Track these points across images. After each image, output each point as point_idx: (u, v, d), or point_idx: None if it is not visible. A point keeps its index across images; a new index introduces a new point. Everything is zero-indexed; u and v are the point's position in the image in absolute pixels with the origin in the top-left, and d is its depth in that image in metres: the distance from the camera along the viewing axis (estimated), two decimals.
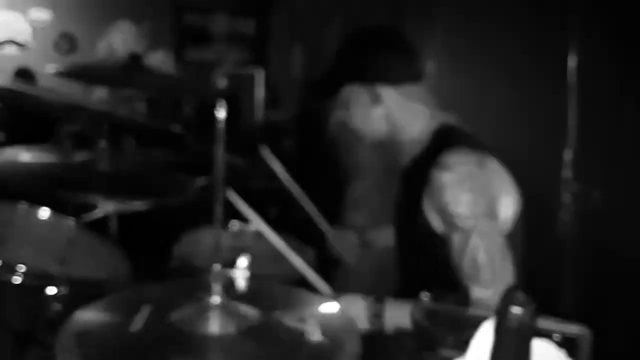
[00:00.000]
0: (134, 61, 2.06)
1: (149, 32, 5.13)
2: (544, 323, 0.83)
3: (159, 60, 4.65)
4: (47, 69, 1.91)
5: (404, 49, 1.59)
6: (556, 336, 0.85)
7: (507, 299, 0.70)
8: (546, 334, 0.81)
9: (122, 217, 2.15)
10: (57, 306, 1.36)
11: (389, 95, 1.55)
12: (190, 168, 2.33)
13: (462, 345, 0.84)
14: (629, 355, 1.94)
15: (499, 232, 1.41)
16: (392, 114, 1.56)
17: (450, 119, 1.59)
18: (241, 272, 1.05)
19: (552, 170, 2.15)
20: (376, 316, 1.43)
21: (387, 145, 1.60)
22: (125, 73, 1.98)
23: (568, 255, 2.11)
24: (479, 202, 1.39)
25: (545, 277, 1.85)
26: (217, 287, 1.02)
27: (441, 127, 1.55)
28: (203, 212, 2.37)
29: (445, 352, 0.90)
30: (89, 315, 1.04)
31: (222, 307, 1.03)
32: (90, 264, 1.66)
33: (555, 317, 0.83)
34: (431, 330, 0.90)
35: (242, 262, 1.05)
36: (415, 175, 1.53)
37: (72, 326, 1.00)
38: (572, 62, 2.06)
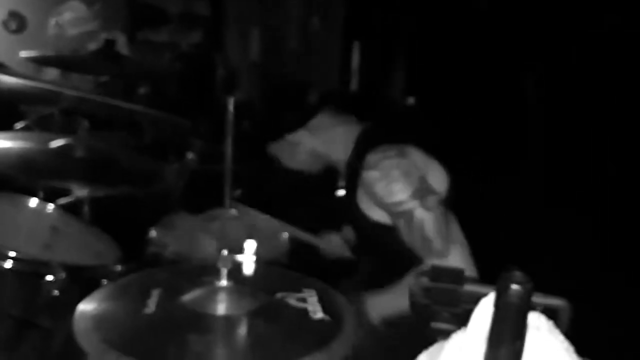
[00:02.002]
0: (108, 47, 2.07)
1: (101, 13, 5.02)
2: None
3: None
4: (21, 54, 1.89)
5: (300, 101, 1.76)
6: (539, 308, 0.95)
7: (507, 276, 0.80)
8: (531, 307, 0.90)
9: (95, 203, 2.16)
10: (54, 292, 1.39)
11: (304, 137, 1.73)
12: (149, 152, 2.36)
13: (456, 320, 0.94)
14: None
15: (437, 203, 1.54)
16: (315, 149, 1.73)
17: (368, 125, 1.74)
18: (248, 257, 1.11)
19: None
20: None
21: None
22: (101, 59, 1.99)
23: None
24: (408, 185, 1.52)
25: None
26: (224, 271, 1.09)
27: (361, 133, 1.71)
28: (177, 197, 2.41)
29: (442, 325, 0.99)
30: (100, 300, 1.09)
31: (230, 290, 1.09)
32: (76, 250, 1.68)
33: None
34: (429, 307, 0.99)
35: (250, 246, 1.12)
36: (351, 178, 1.67)
37: (86, 310, 1.05)
38: None
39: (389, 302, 1.50)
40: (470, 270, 1.51)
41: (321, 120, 1.74)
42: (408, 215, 1.50)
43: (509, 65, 2.40)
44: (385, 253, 1.65)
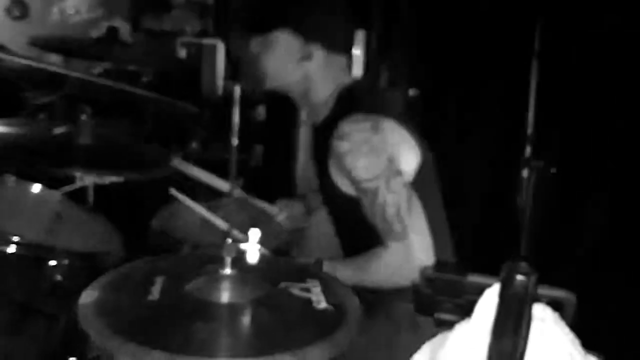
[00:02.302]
0: (111, 35, 2.06)
1: (104, 0, 5.01)
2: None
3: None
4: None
5: (345, 17, 1.67)
6: (544, 300, 0.95)
7: (512, 267, 0.80)
8: (536, 298, 0.90)
9: (99, 190, 2.16)
10: (56, 277, 1.39)
11: (319, 56, 1.61)
12: (152, 140, 2.36)
13: (460, 311, 0.94)
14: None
15: (402, 186, 1.51)
16: (313, 74, 1.63)
17: (353, 82, 1.67)
18: (252, 246, 1.12)
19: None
20: None
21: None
22: (104, 46, 1.98)
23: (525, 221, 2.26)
24: (376, 164, 1.48)
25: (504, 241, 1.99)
26: (228, 259, 1.09)
27: (341, 92, 1.63)
28: (180, 185, 2.41)
29: (443, 316, 0.99)
30: (104, 286, 1.09)
31: (234, 278, 1.09)
32: (80, 236, 1.68)
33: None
34: (432, 297, 1.00)
35: (254, 235, 1.12)
36: (322, 140, 1.61)
37: (91, 296, 1.05)
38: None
39: (346, 276, 1.47)
40: (428, 261, 1.49)
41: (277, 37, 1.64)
42: (371, 193, 1.48)
43: (515, 57, 2.39)
44: (350, 226, 1.63)
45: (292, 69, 1.62)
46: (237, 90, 1.16)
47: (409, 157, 1.55)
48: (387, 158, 1.49)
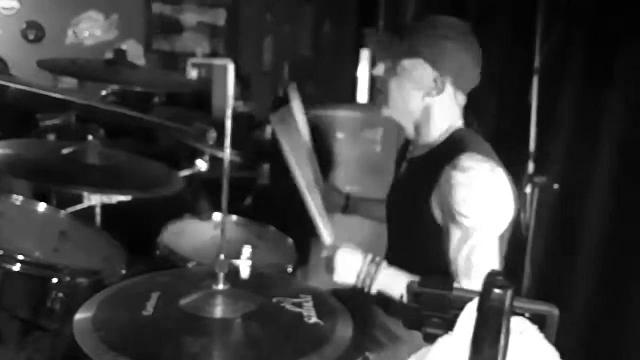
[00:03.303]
0: (119, 56, 2.12)
1: (118, 23, 5.11)
2: (517, 302, 0.93)
3: (129, 50, 4.62)
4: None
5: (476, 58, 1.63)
6: (527, 314, 0.96)
7: (490, 281, 0.82)
8: (518, 312, 0.92)
9: (107, 208, 2.20)
10: (60, 294, 1.43)
11: (448, 91, 1.59)
12: (161, 159, 2.40)
13: (447, 325, 0.95)
14: (578, 331, 2.11)
15: (495, 237, 1.49)
16: (436, 108, 1.61)
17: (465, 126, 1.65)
18: (244, 262, 1.14)
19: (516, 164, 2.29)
20: (367, 275, 1.50)
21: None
22: (112, 68, 2.04)
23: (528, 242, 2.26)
24: (485, 206, 1.47)
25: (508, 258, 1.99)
26: (221, 275, 1.12)
27: (457, 131, 1.61)
28: (186, 202, 2.45)
29: (431, 330, 1.00)
30: (101, 302, 1.12)
31: (227, 293, 1.12)
32: (85, 254, 1.72)
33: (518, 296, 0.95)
34: (419, 311, 1.01)
35: (246, 252, 1.14)
36: (425, 168, 1.59)
37: (86, 312, 1.08)
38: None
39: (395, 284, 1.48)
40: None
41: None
42: (466, 231, 1.47)
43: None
44: (418, 247, 1.61)
45: (417, 98, 1.60)
46: (230, 107, 1.19)
47: (508, 208, 1.52)
48: (495, 204, 1.49)
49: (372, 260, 1.51)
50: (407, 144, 1.79)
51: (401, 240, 1.72)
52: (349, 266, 1.49)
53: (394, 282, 1.49)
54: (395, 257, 1.71)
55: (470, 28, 1.62)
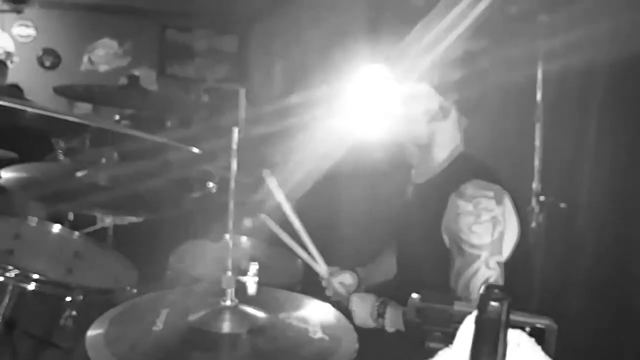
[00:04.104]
0: (132, 82, 2.18)
1: (132, 50, 5.22)
2: (516, 316, 0.95)
3: (142, 76, 4.72)
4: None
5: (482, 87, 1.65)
6: (527, 328, 0.97)
7: (487, 294, 0.84)
8: (518, 326, 0.93)
9: (119, 229, 2.25)
10: (73, 312, 1.46)
11: (453, 117, 1.61)
12: (173, 181, 2.44)
13: (449, 339, 0.97)
14: (584, 344, 2.11)
15: (499, 265, 1.49)
16: (441, 133, 1.62)
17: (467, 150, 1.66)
18: (251, 278, 1.17)
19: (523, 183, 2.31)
20: (379, 315, 1.57)
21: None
22: (125, 93, 2.10)
23: (536, 257, 2.27)
24: (489, 235, 1.47)
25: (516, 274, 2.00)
26: (229, 292, 1.15)
27: (460, 155, 1.63)
28: (197, 223, 2.48)
29: (433, 345, 1.02)
30: (112, 318, 1.16)
31: (234, 309, 1.15)
32: (97, 274, 1.76)
33: (522, 311, 0.97)
34: (421, 326, 1.03)
35: (253, 268, 1.18)
36: (432, 195, 1.60)
37: (99, 328, 1.11)
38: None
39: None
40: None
41: None
42: (469, 259, 1.47)
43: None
44: (427, 271, 1.62)
45: (423, 123, 1.61)
46: (234, 131, 1.23)
47: (511, 237, 1.53)
48: (500, 232, 1.49)
49: (382, 302, 1.57)
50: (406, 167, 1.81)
51: (411, 262, 1.73)
52: (362, 310, 1.58)
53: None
54: (405, 280, 1.73)
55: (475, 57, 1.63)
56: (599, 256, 2.15)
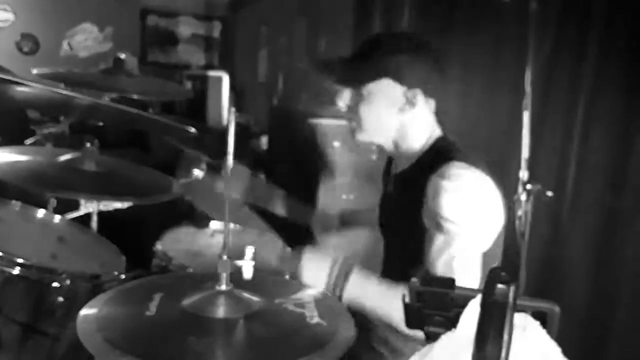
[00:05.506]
0: (117, 65, 2.13)
1: (112, 35, 5.13)
2: (518, 300, 0.94)
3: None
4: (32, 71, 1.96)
5: (437, 62, 1.61)
6: (529, 311, 0.97)
7: (493, 277, 0.83)
8: (521, 309, 0.93)
9: (103, 215, 2.20)
10: (59, 298, 1.43)
11: (420, 102, 1.57)
12: (157, 167, 2.40)
13: (450, 323, 0.96)
14: (567, 332, 2.13)
15: (479, 249, 1.47)
16: (411, 122, 1.59)
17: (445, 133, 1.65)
18: (247, 262, 1.15)
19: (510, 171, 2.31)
20: (334, 287, 1.46)
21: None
22: (110, 77, 2.05)
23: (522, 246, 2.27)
24: (470, 214, 1.45)
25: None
26: (224, 276, 1.12)
27: (438, 140, 1.61)
28: (182, 210, 2.45)
29: (434, 329, 1.01)
30: (103, 303, 1.12)
31: (229, 294, 1.12)
32: (82, 260, 1.72)
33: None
34: (421, 310, 1.02)
35: (248, 252, 1.15)
36: (412, 181, 1.58)
37: (90, 312, 1.08)
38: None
39: (368, 293, 1.48)
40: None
41: None
42: (448, 238, 1.45)
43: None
44: (410, 255, 1.60)
45: (391, 116, 1.58)
46: (232, 117, 1.20)
47: (496, 218, 1.49)
48: (482, 212, 1.47)
49: (341, 267, 1.47)
50: (390, 160, 1.79)
51: (397, 250, 1.72)
52: (315, 272, 1.46)
53: (364, 293, 1.46)
54: (393, 266, 1.72)
55: (424, 38, 1.65)
56: (585, 245, 2.17)
